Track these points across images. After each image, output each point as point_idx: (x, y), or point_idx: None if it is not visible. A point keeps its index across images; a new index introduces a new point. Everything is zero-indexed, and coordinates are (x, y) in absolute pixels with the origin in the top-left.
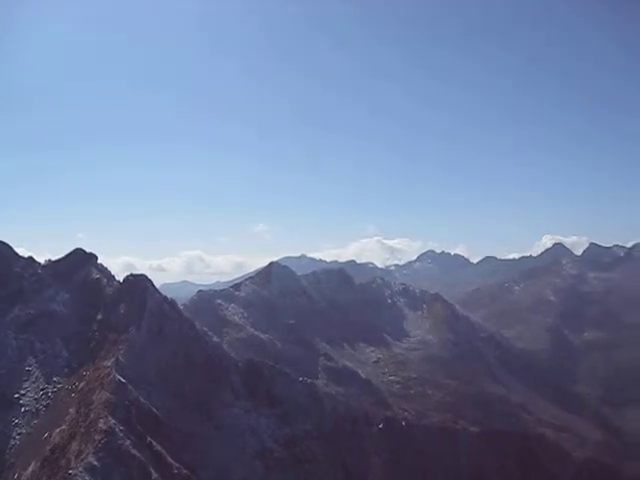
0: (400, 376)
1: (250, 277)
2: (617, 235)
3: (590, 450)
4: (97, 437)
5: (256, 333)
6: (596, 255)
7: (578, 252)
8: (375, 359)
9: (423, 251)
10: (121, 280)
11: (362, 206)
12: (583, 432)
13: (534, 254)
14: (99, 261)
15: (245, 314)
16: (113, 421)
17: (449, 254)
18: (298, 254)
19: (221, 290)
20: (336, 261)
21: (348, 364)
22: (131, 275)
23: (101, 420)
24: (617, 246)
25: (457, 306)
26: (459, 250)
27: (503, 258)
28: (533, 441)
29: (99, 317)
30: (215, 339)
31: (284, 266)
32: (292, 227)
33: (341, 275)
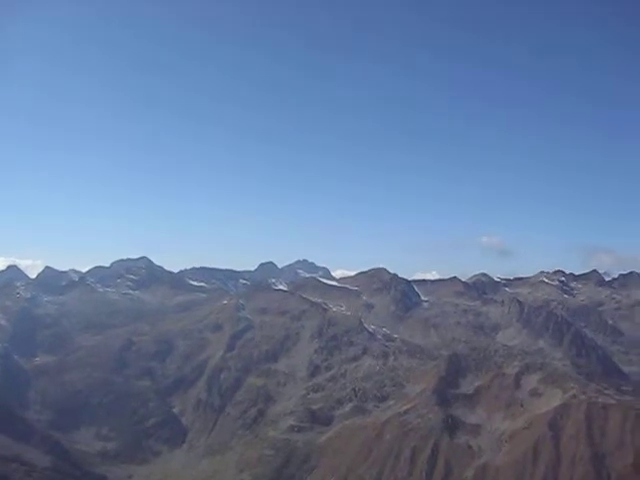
0: None
1: None
2: (73, 259)
3: (39, 477)
4: None
5: None
6: (52, 278)
7: (33, 275)
8: None
9: None
10: None
11: None
12: (33, 460)
13: None
14: None
15: None
16: None
17: None
18: None
19: None
20: None
21: None
22: None
23: None
24: (73, 270)
25: None
26: None
27: None
28: None
29: None
30: None
31: None
32: None
33: None
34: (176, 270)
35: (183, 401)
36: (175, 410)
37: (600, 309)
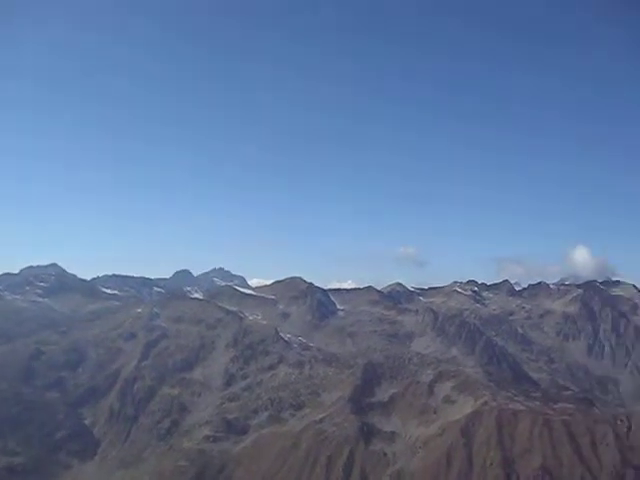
0: None
1: None
2: None
3: None
4: None
5: None
6: None
7: None
8: None
9: None
10: None
11: None
12: None
13: None
14: None
15: None
16: None
17: None
18: None
19: None
20: None
21: None
22: None
23: None
24: None
25: None
26: None
27: None
28: None
29: None
30: None
31: None
32: None
33: None
34: (89, 278)
35: (95, 412)
36: (86, 421)
37: (511, 318)
